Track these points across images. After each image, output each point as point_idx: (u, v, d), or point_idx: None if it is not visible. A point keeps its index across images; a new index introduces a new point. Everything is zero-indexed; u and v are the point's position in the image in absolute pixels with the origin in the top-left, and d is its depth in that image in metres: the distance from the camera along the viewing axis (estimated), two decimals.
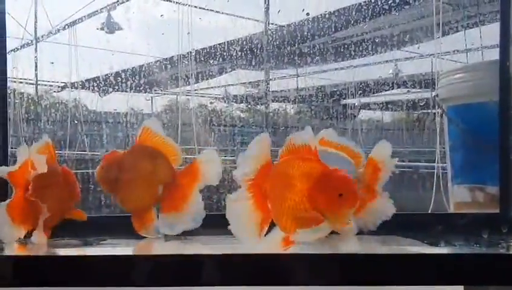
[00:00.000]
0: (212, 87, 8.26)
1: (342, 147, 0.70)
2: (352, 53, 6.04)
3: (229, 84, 7.97)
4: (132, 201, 0.69)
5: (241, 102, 8.24)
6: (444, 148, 1.40)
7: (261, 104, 7.08)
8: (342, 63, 7.09)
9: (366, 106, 8.88)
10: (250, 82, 7.54)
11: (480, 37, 3.09)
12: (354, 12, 4.39)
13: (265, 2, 5.09)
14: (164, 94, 8.39)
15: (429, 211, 1.60)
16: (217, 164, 0.70)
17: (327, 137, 0.69)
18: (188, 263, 0.56)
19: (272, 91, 7.29)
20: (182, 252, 0.66)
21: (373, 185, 0.70)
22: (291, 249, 0.64)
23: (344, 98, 8.40)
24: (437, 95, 1.37)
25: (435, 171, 1.85)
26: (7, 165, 0.74)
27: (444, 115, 1.31)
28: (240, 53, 5.37)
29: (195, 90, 6.48)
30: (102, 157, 0.71)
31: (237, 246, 0.63)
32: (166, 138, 0.70)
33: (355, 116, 8.64)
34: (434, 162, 2.00)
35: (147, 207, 0.69)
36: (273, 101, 7.79)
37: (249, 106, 8.52)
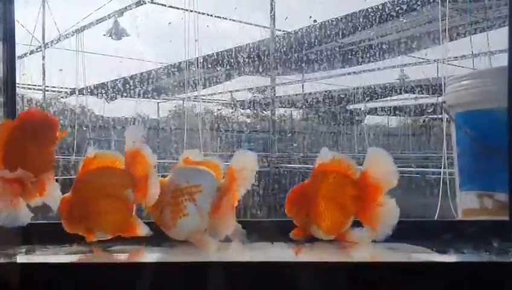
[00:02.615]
0: (220, 93, 8.29)
1: (203, 162, 0.70)
2: (360, 59, 6.04)
3: (236, 90, 7.99)
4: (112, 224, 0.67)
5: (248, 108, 8.26)
6: (451, 153, 1.39)
7: (268, 110, 7.07)
8: (348, 69, 7.08)
9: (373, 112, 8.86)
10: (258, 87, 7.55)
11: (488, 44, 3.07)
12: (361, 19, 4.39)
13: (272, 9, 5.11)
14: (173, 100, 8.43)
15: (435, 218, 1.59)
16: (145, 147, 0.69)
17: (191, 157, 0.70)
18: (194, 270, 0.56)
19: (279, 96, 7.29)
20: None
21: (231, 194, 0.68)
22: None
23: (351, 104, 8.39)
24: (444, 102, 1.36)
25: (441, 176, 1.83)
26: None
27: (451, 121, 1.30)
28: (247, 59, 5.39)
29: (203, 96, 6.50)
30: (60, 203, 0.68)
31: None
32: (105, 153, 0.69)
33: (361, 122, 8.62)
34: (441, 167, 1.98)
35: (129, 217, 0.68)
36: (280, 107, 7.80)
37: (255, 112, 8.53)
